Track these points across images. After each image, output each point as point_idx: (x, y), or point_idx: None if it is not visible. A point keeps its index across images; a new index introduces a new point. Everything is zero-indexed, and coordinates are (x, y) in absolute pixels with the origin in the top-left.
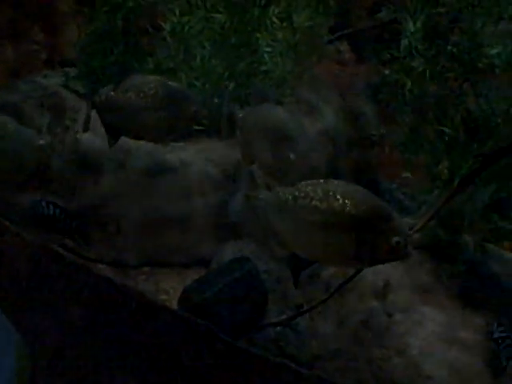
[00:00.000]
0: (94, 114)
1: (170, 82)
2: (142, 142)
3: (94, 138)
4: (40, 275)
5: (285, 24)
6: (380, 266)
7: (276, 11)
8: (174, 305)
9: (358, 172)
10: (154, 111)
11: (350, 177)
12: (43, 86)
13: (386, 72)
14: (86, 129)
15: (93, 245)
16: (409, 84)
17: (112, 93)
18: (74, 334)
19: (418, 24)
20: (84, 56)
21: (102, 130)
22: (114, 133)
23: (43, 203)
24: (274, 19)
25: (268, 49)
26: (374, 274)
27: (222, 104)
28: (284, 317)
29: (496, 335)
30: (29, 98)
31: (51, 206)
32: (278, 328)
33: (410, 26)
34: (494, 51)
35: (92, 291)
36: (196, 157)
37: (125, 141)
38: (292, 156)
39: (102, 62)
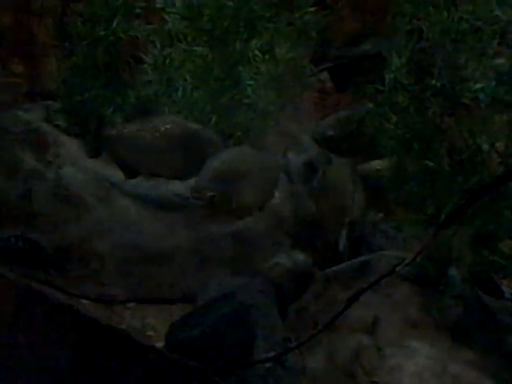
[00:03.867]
0: (76, 148)
1: (188, 123)
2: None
3: (76, 173)
4: (25, 317)
5: (267, 56)
6: (368, 301)
7: (258, 44)
8: (161, 342)
9: None
10: (169, 151)
11: None
12: (25, 121)
13: (370, 105)
14: None
15: (78, 281)
16: (393, 118)
17: (125, 130)
18: (60, 378)
19: (403, 59)
20: (65, 90)
21: (85, 164)
22: (126, 168)
23: (13, 238)
24: (257, 52)
25: (251, 81)
26: (363, 309)
27: None
28: (273, 352)
29: None
30: (10, 133)
31: (20, 240)
32: (267, 364)
33: (396, 61)
34: (477, 86)
35: (78, 333)
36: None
37: (108, 176)
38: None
39: (84, 95)
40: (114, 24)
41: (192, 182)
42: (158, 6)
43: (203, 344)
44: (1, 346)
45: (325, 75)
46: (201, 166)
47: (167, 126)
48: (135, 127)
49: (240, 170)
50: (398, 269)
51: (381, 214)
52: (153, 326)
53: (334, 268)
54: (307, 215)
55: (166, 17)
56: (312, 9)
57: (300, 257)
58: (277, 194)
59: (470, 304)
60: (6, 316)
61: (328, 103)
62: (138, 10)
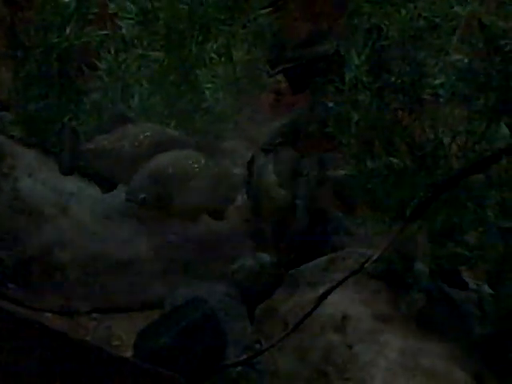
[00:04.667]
0: (33, 159)
1: (168, 130)
2: (84, 185)
3: (35, 185)
4: None
5: (223, 59)
6: (337, 299)
7: (214, 47)
8: (129, 350)
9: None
10: (147, 159)
11: None
12: None
13: (330, 105)
14: None
15: (40, 294)
16: (355, 117)
17: (105, 142)
18: None
19: (363, 57)
20: (19, 100)
21: (43, 175)
22: (104, 181)
23: None
24: (213, 55)
25: (209, 85)
26: (332, 307)
27: None
28: (244, 356)
29: None
30: None
31: None
32: (239, 368)
33: (355, 59)
34: (437, 81)
35: (47, 348)
36: None
37: (67, 186)
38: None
39: (39, 104)
40: (68, 31)
41: None
42: (110, 11)
43: (174, 351)
44: None
45: (280, 76)
46: None
47: (147, 134)
48: (113, 138)
49: (178, 173)
50: (366, 265)
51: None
52: (119, 335)
53: (301, 267)
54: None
55: (120, 22)
56: (265, 10)
57: (265, 258)
58: (239, 197)
59: (436, 297)
60: None
61: (283, 104)
62: (90, 16)
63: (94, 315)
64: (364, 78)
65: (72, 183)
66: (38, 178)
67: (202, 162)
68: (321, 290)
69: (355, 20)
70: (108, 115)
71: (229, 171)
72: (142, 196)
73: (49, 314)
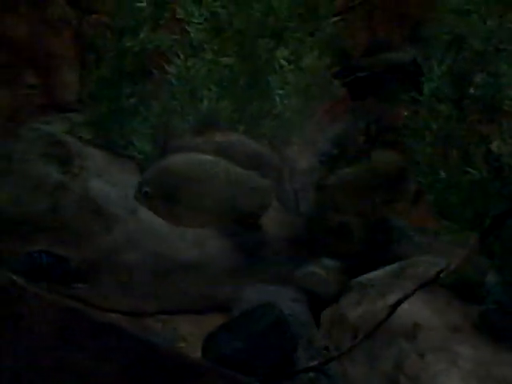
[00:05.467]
0: (102, 159)
1: (252, 143)
2: None
3: (104, 186)
4: (67, 338)
5: (292, 66)
6: (408, 307)
7: (285, 53)
8: (195, 352)
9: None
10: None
11: None
12: (48, 133)
13: (406, 114)
14: None
15: (107, 294)
16: (434, 127)
17: (192, 143)
18: None
19: (444, 67)
20: (91, 102)
21: (112, 176)
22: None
23: (36, 254)
24: (283, 61)
25: (280, 91)
26: (403, 315)
27: None
28: (315, 362)
29: None
30: (33, 146)
31: (44, 256)
32: (310, 374)
33: (436, 70)
34: None
35: (127, 352)
36: None
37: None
38: None
39: (110, 107)
40: (142, 35)
41: None
42: (178, 16)
43: (248, 355)
44: (43, 368)
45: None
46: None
47: (232, 143)
48: (200, 140)
49: (188, 175)
50: (442, 275)
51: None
52: (184, 337)
53: (369, 275)
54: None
55: (188, 27)
56: (335, 19)
57: (332, 264)
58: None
59: (509, 309)
60: (47, 338)
61: (338, 110)
62: (161, 21)
63: (161, 317)
64: (445, 89)
65: None
66: (107, 179)
67: (221, 167)
68: (391, 298)
69: (435, 30)
70: (198, 120)
71: (255, 178)
72: (145, 189)
73: (115, 315)
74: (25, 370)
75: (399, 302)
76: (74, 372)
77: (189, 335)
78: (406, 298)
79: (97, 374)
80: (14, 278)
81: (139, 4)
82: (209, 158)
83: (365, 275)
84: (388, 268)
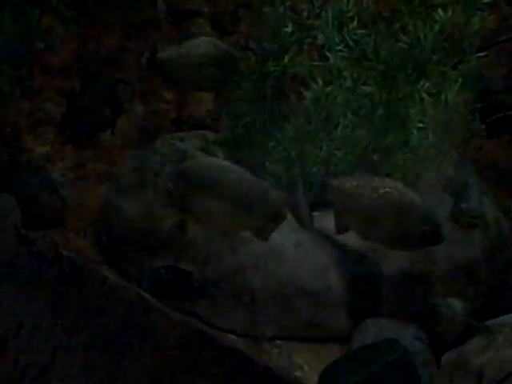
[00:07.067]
0: None
1: (410, 193)
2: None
3: None
4: (192, 361)
5: (433, 99)
6: None
7: (426, 86)
8: (310, 382)
9: None
10: (385, 216)
11: None
12: (181, 149)
13: None
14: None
15: (227, 315)
16: None
17: (348, 184)
18: None
19: None
20: (229, 121)
21: None
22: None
23: (162, 270)
24: (424, 94)
25: (420, 124)
26: None
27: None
28: None
29: None
30: (169, 161)
31: (169, 271)
32: None
33: None
34: None
35: (250, 379)
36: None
37: None
38: None
39: (246, 128)
40: (286, 60)
41: None
42: (319, 41)
43: None
44: None
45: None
46: (412, 239)
47: (387, 190)
48: (355, 182)
49: (203, 179)
50: None
51: None
52: (300, 365)
53: (498, 320)
54: (460, 260)
55: (328, 54)
56: (479, 54)
57: (458, 304)
58: None
59: None
60: (171, 360)
61: (469, 146)
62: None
63: (277, 342)
64: None
65: None
66: None
67: (238, 176)
68: None
69: None
70: (358, 162)
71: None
72: (169, 185)
73: (233, 336)
74: None
75: None
76: None
77: (306, 364)
78: None
79: None
80: (142, 292)
81: (285, 29)
82: (230, 166)
83: (493, 319)
84: None
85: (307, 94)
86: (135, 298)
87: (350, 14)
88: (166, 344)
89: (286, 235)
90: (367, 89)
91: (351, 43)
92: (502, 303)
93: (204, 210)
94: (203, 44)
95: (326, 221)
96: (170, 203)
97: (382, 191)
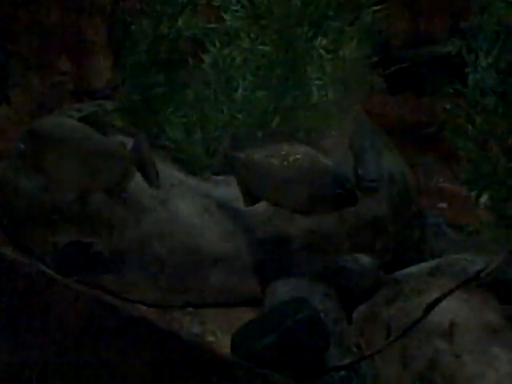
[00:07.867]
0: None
1: (320, 157)
2: (184, 177)
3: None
4: (95, 331)
5: (331, 56)
6: (444, 306)
7: (323, 43)
8: (224, 347)
9: None
10: (295, 183)
11: None
12: None
13: (448, 107)
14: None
15: (135, 286)
16: (478, 120)
17: (256, 155)
18: None
19: (490, 59)
20: (124, 89)
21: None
22: (248, 194)
23: (65, 247)
24: (321, 51)
25: (318, 81)
26: (439, 314)
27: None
28: (346, 360)
29: None
30: None
31: (72, 247)
32: (342, 372)
33: (482, 61)
34: None
35: (156, 347)
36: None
37: (166, 177)
38: None
39: (144, 95)
40: (180, 22)
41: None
42: (215, 2)
43: (280, 352)
44: (71, 362)
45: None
46: (325, 203)
47: (297, 156)
48: (265, 153)
49: (59, 141)
50: (483, 274)
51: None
52: (213, 331)
53: (404, 271)
54: (367, 216)
55: (224, 15)
56: (375, 8)
57: (366, 260)
58: None
59: None
60: (74, 331)
61: (375, 102)
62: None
63: (189, 310)
64: (491, 81)
65: (172, 175)
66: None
67: (85, 136)
68: (426, 297)
69: (481, 21)
70: (265, 130)
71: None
72: (21, 146)
73: (142, 307)
74: (52, 363)
75: (438, 301)
76: (102, 367)
77: (217, 330)
78: (444, 296)
79: (125, 368)
80: (42, 268)
81: None
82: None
83: (399, 271)
84: (424, 265)
85: (205, 57)
86: (35, 274)
87: None
88: (69, 316)
89: (190, 202)
90: (264, 48)
91: (246, 3)
92: (407, 255)
93: (55, 171)
94: None
95: (232, 185)
96: (23, 165)
97: (292, 159)
